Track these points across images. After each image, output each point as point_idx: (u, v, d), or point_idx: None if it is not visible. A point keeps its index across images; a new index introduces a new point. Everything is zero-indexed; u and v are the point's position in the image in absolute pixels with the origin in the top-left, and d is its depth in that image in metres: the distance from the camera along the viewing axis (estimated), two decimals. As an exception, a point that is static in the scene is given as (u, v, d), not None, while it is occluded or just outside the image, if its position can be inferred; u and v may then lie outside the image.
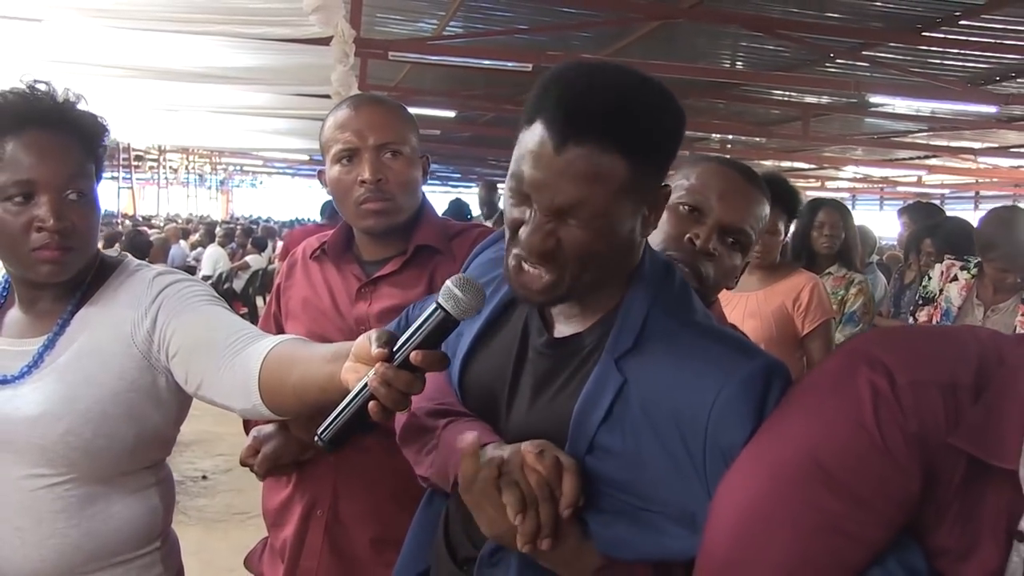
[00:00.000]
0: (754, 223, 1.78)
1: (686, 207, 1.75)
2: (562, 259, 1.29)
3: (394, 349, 1.29)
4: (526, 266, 1.31)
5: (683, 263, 1.69)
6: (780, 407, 1.20)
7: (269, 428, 2.03)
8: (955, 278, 4.30)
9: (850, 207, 5.26)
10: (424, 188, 2.22)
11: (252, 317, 13.80)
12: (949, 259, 4.40)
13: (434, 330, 1.30)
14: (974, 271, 4.23)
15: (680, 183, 1.79)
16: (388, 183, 2.04)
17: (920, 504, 1.08)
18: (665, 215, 1.73)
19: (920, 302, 4.47)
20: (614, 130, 1.23)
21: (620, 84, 1.26)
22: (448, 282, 1.29)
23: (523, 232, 1.29)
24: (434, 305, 1.30)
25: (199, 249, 15.27)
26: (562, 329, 1.42)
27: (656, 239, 1.72)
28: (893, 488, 1.07)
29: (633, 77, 1.28)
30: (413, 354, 1.27)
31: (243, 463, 2.05)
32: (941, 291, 4.33)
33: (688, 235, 1.72)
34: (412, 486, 1.56)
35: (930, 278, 4.48)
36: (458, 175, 36.91)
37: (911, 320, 4.50)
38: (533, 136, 1.26)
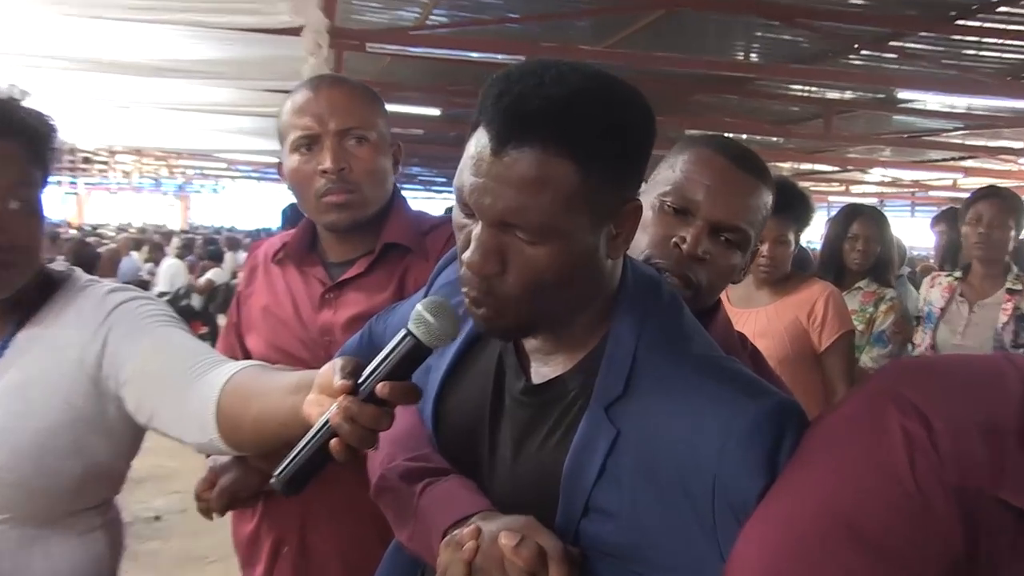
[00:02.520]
0: (751, 217, 1.73)
1: (670, 206, 1.70)
2: (503, 291, 1.27)
3: (359, 381, 1.29)
4: (470, 306, 1.31)
5: (670, 271, 1.66)
6: (798, 455, 1.18)
7: (227, 459, 2.01)
8: (936, 285, 4.40)
9: (878, 215, 5.24)
10: (406, 194, 2.22)
11: (213, 337, 13.77)
12: (936, 273, 4.49)
13: (403, 359, 1.29)
14: (958, 275, 4.32)
15: (664, 175, 1.75)
16: (352, 172, 2.03)
17: (964, 564, 1.05)
18: (649, 215, 1.71)
19: (916, 323, 4.51)
20: (560, 133, 1.21)
21: (573, 82, 1.24)
22: (418, 306, 1.28)
23: (468, 249, 1.27)
24: (403, 332, 1.29)
25: (152, 264, 15.24)
26: (541, 371, 1.40)
27: (640, 244, 1.69)
28: (931, 547, 1.04)
29: (591, 75, 1.26)
30: (379, 386, 1.26)
31: (198, 497, 2.04)
32: (924, 299, 4.40)
33: (674, 238, 1.68)
34: (385, 519, 1.55)
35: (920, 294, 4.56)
36: (443, 180, 36.92)
37: (912, 347, 4.51)
38: (475, 141, 1.26)
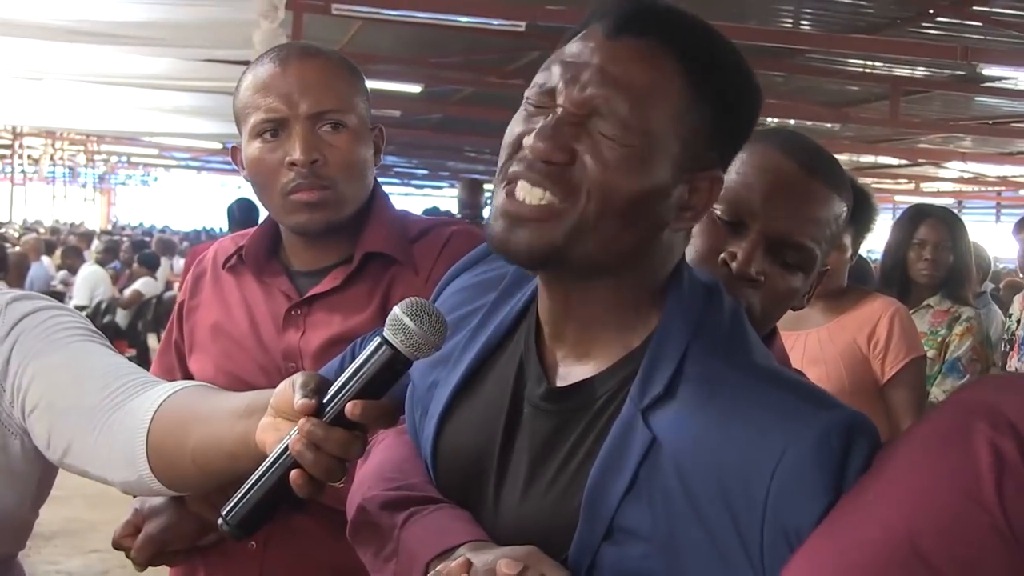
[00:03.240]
0: (819, 233, 1.73)
1: (719, 215, 1.70)
2: (574, 181, 1.29)
3: (325, 400, 1.30)
4: (522, 185, 1.30)
5: None
6: (866, 477, 1.19)
7: (158, 500, 1.99)
8: None
9: (956, 217, 5.23)
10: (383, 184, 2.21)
11: (142, 360, 13.77)
12: None
13: (378, 372, 1.30)
14: None
15: None
16: (326, 165, 2.01)
17: None
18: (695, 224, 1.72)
19: (1006, 348, 4.48)
20: (687, 40, 1.32)
21: (697, 17, 1.36)
22: (396, 308, 1.30)
23: (530, 137, 1.30)
24: (377, 340, 1.30)
25: (66, 271, 15.24)
26: (568, 374, 1.41)
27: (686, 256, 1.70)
28: None
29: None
30: (349, 406, 1.27)
31: (116, 545, 2.03)
32: (1019, 322, 4.36)
33: (722, 254, 1.68)
34: (363, 570, 1.56)
35: (1010, 315, 4.52)
36: (424, 171, 36.94)
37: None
38: (579, 38, 1.35)
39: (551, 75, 1.33)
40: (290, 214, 2.05)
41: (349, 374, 1.31)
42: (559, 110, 1.30)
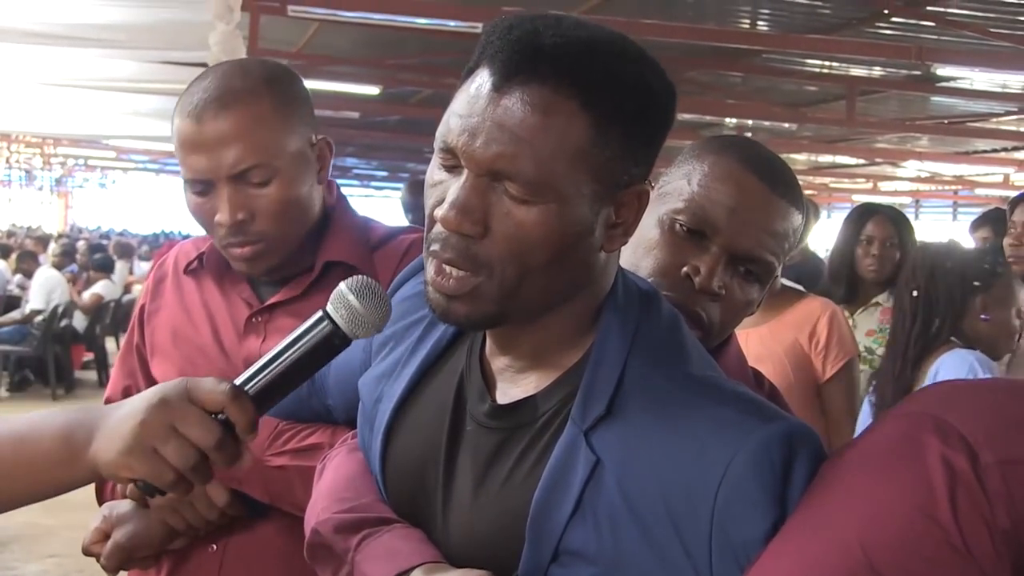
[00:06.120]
0: (779, 247, 1.74)
1: (683, 226, 1.71)
2: (487, 256, 1.28)
3: (252, 371, 1.35)
4: (444, 267, 1.31)
5: (676, 305, 1.62)
6: (815, 488, 1.19)
7: (126, 506, 1.99)
8: None
9: (911, 216, 5.30)
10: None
11: (100, 365, 13.67)
12: None
13: (315, 347, 1.33)
14: None
15: (677, 186, 1.76)
16: (255, 221, 1.98)
17: None
18: (655, 234, 1.72)
19: None
20: (576, 73, 1.26)
21: (594, 30, 1.31)
22: (342, 284, 1.32)
23: (442, 207, 1.29)
24: (319, 314, 1.32)
25: (22, 275, 15.12)
26: (510, 391, 1.41)
27: (642, 269, 1.69)
28: None
29: (614, 31, 1.32)
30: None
31: (87, 552, 2.02)
32: None
33: (685, 267, 1.69)
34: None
35: None
36: (384, 173, 36.86)
37: None
38: (470, 83, 1.30)
39: (450, 131, 1.29)
40: (232, 261, 2.05)
41: (284, 346, 1.33)
42: (464, 172, 1.28)
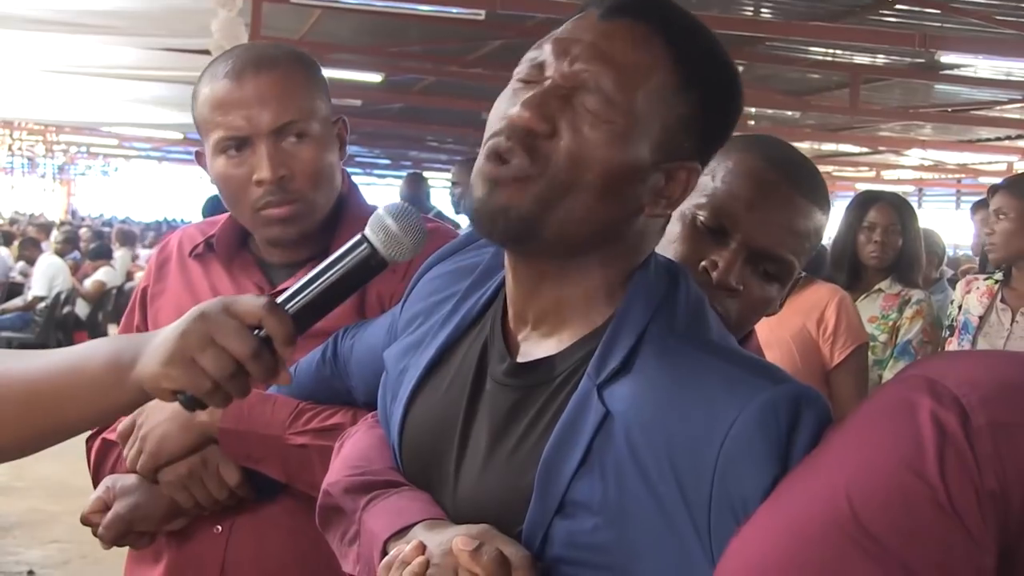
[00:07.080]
0: (799, 245, 1.75)
1: (703, 221, 1.71)
2: (548, 152, 1.31)
3: (292, 291, 1.39)
4: (501, 150, 1.33)
5: None
6: (814, 452, 1.20)
7: (130, 479, 1.99)
8: (974, 290, 4.47)
9: (915, 204, 5.31)
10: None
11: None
12: (973, 276, 4.53)
13: (353, 269, 1.38)
14: (999, 277, 4.40)
15: (699, 181, 1.71)
16: (294, 179, 2.00)
17: None
18: (677, 227, 1.73)
19: (947, 333, 4.54)
20: (679, 29, 1.38)
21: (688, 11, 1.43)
22: (380, 209, 1.34)
23: (515, 107, 1.33)
24: (358, 237, 1.37)
25: (25, 262, 15.13)
26: (531, 351, 1.43)
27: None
28: (955, 560, 1.05)
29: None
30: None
31: (85, 521, 2.02)
32: (960, 307, 4.43)
33: (703, 262, 1.69)
34: (326, 560, 1.58)
35: (952, 301, 4.59)
36: (386, 161, 36.83)
37: None
38: (575, 18, 1.40)
39: (542, 51, 1.37)
40: (263, 227, 2.05)
41: (322, 267, 1.38)
42: (547, 83, 1.33)
